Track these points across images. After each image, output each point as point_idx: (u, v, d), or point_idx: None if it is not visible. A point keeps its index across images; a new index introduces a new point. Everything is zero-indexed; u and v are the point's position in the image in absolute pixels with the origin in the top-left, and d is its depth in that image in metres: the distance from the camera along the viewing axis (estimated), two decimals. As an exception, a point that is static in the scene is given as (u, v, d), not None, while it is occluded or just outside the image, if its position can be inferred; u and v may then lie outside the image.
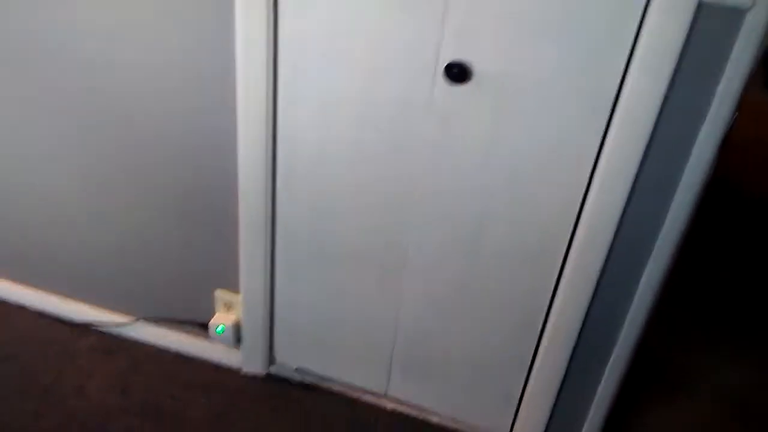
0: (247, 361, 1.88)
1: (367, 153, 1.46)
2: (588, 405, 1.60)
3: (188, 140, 1.59)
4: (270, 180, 1.57)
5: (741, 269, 2.75)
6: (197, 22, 1.42)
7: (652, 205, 1.31)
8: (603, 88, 1.23)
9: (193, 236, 1.73)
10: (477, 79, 1.30)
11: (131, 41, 1.49)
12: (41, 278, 2.00)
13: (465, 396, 1.72)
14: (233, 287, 1.78)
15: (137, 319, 1.94)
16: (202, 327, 1.87)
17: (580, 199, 1.36)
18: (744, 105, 1.27)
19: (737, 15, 1.10)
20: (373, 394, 1.84)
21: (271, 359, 1.89)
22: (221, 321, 1.82)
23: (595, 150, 1.30)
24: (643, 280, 1.39)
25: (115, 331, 1.98)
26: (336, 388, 1.87)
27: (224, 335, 1.82)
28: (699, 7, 1.11)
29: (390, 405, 1.83)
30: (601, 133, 1.28)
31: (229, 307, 1.82)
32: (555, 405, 1.62)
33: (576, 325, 1.48)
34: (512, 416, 1.71)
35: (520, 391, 1.66)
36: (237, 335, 1.84)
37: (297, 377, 1.89)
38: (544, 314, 1.52)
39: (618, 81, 1.22)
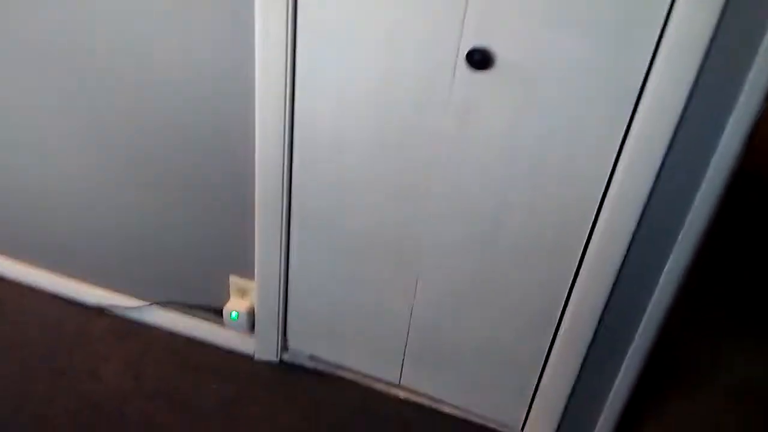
0: (260, 347, 1.87)
1: (385, 141, 1.44)
2: (603, 400, 1.58)
3: (206, 126, 1.57)
4: (287, 168, 1.55)
5: (765, 263, 2.71)
6: (217, 11, 1.41)
7: (676, 198, 1.28)
8: (629, 78, 1.21)
9: (209, 222, 1.73)
10: (499, 67, 1.27)
11: (150, 28, 1.48)
12: (56, 261, 2.00)
13: (478, 388, 1.71)
14: (248, 274, 1.77)
15: (151, 304, 1.94)
16: (215, 313, 1.86)
17: (602, 191, 1.33)
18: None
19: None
20: (385, 383, 1.83)
21: (284, 346, 1.88)
22: (235, 307, 1.81)
23: (619, 140, 1.27)
24: (665, 274, 1.36)
25: (129, 314, 1.98)
26: (348, 376, 1.86)
27: (238, 321, 1.82)
28: (730, -6, 1.08)
29: (402, 394, 1.82)
30: (626, 124, 1.25)
31: (243, 293, 1.81)
32: (570, 399, 1.60)
33: (594, 319, 1.46)
34: (526, 409, 1.69)
35: (535, 384, 1.64)
36: (251, 322, 1.84)
37: (310, 365, 1.89)
38: (561, 307, 1.50)
39: (644, 70, 1.19)
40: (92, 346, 1.88)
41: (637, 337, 1.46)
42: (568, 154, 1.31)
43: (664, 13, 1.13)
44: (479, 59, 1.26)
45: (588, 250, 1.40)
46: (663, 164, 1.24)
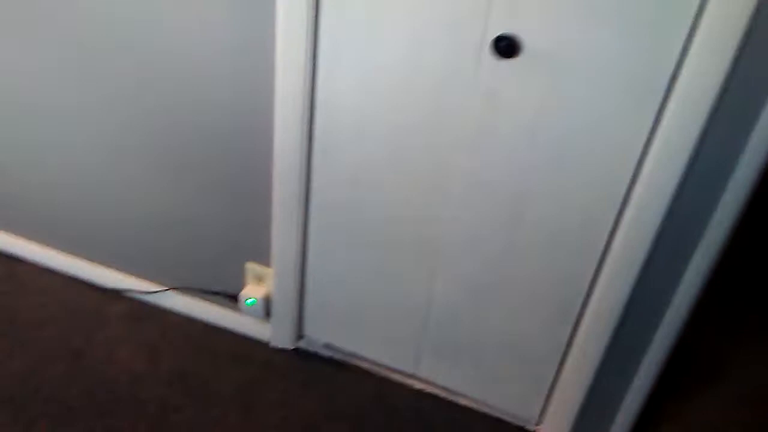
0: (276, 334, 1.87)
1: (407, 127, 1.42)
2: (622, 397, 1.56)
3: (225, 113, 1.56)
4: (306, 153, 1.54)
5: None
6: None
7: (703, 196, 1.25)
8: (659, 69, 1.17)
9: (227, 208, 1.72)
10: (526, 55, 1.24)
11: (170, 11, 1.47)
12: (74, 244, 2.01)
13: (495, 380, 1.69)
14: (265, 260, 1.76)
15: (168, 288, 1.94)
16: (232, 299, 1.86)
17: (627, 184, 1.30)
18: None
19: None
20: (401, 373, 1.82)
21: (300, 334, 1.88)
22: (252, 293, 1.81)
23: (647, 133, 1.24)
24: (689, 270, 1.33)
25: (146, 298, 1.98)
26: (364, 365, 1.85)
27: (254, 308, 1.82)
28: (769, -17, 1.04)
29: (418, 385, 1.81)
30: (654, 116, 1.22)
31: (259, 279, 1.80)
32: (588, 395, 1.58)
33: (616, 314, 1.43)
34: (543, 403, 1.67)
35: (553, 378, 1.62)
36: (267, 308, 1.83)
37: (325, 353, 1.88)
38: (582, 300, 1.48)
39: (675, 63, 1.16)
40: (110, 330, 1.88)
41: (658, 334, 1.43)
42: (593, 147, 1.29)
43: (698, 3, 1.10)
44: (506, 47, 1.24)
45: (612, 245, 1.37)
46: (692, 158, 1.21)
